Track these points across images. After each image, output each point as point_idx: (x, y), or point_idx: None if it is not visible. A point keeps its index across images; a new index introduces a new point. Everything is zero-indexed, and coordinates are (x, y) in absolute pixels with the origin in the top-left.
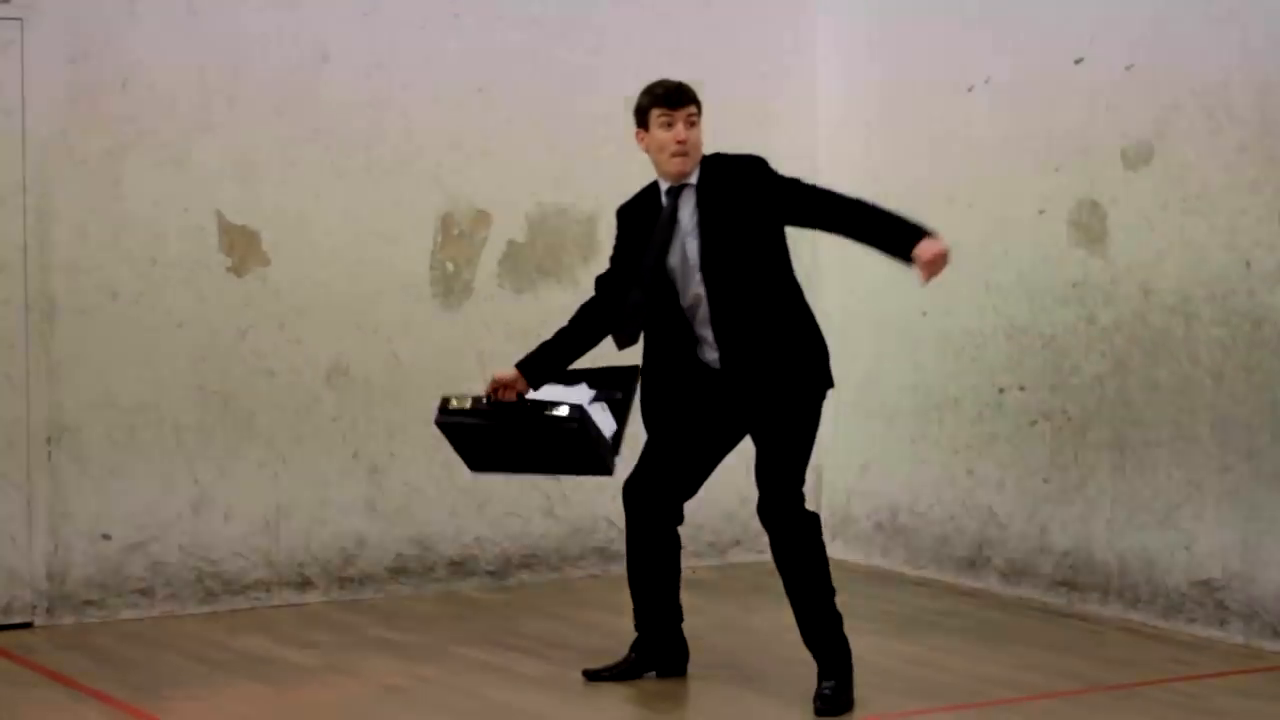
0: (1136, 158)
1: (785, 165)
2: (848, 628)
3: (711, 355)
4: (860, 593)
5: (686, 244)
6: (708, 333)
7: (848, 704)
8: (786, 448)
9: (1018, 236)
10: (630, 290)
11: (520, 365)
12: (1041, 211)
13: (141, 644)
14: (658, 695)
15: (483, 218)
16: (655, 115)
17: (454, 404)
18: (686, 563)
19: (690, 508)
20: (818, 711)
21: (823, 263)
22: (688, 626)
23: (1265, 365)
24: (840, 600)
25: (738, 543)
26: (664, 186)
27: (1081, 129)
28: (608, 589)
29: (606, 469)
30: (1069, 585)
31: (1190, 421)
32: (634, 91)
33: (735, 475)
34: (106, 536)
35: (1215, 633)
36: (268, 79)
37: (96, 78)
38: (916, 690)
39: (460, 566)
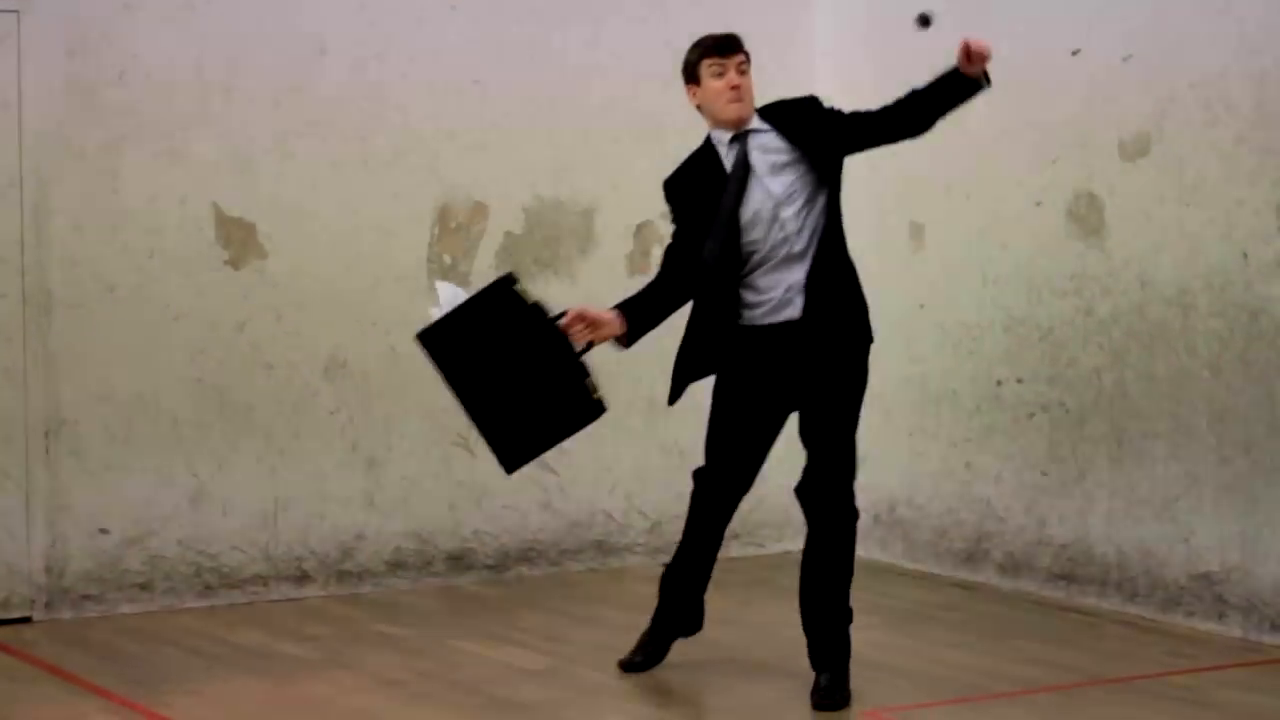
0: (1134, 149)
1: None
2: None
3: (759, 312)
4: (858, 586)
5: (769, 185)
6: (782, 278)
7: (845, 698)
8: (847, 412)
9: (1015, 228)
10: (705, 243)
11: (622, 308)
12: (1039, 203)
13: (140, 638)
14: (655, 689)
15: (480, 210)
16: (706, 66)
17: (520, 285)
18: None
19: (689, 501)
20: (816, 705)
21: None
22: None
23: (1263, 357)
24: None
25: (736, 536)
26: (724, 138)
27: (1079, 120)
28: (606, 582)
29: (517, 464)
30: (1067, 578)
31: (1188, 414)
32: (631, 84)
33: None
34: (105, 531)
35: (1214, 626)
36: (265, 71)
37: (93, 70)
38: (914, 684)
39: (458, 560)
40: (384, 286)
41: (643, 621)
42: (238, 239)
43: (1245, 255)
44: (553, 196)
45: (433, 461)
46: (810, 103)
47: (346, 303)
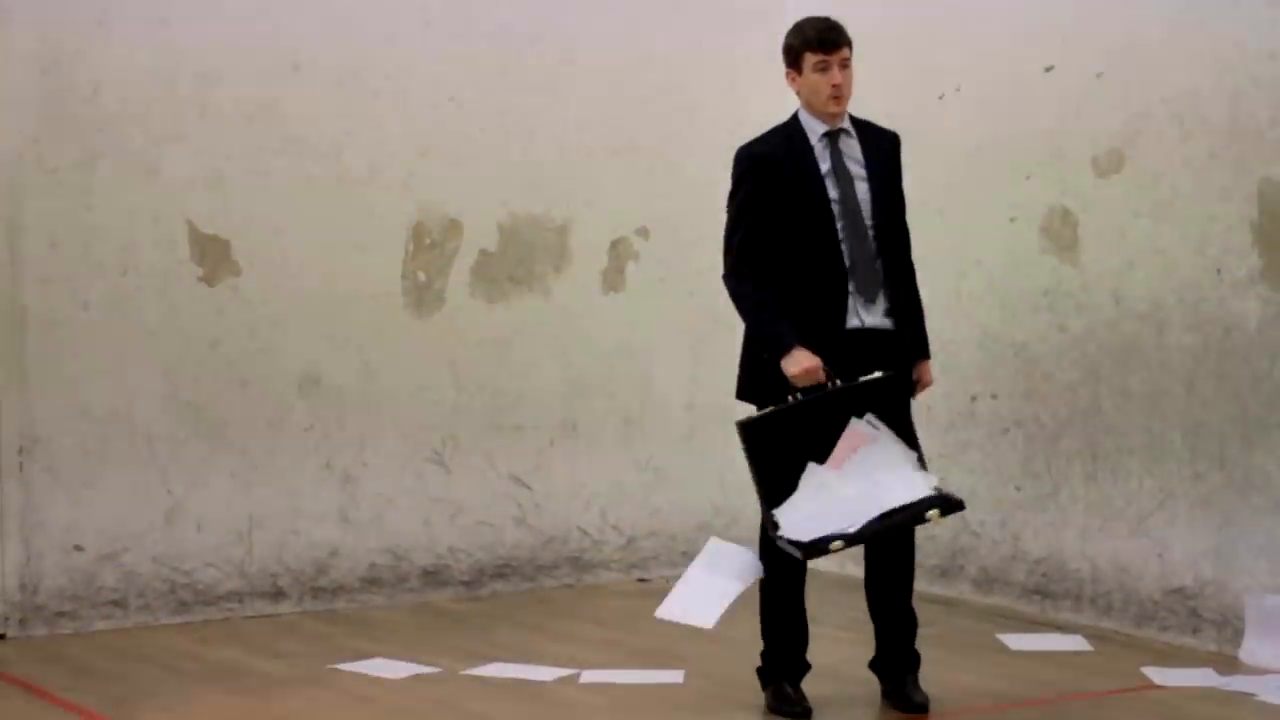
0: (1107, 165)
1: None
2: (821, 636)
3: (860, 316)
4: (833, 601)
5: (857, 186)
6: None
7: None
8: (909, 423)
9: (989, 244)
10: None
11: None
12: (1013, 219)
13: (114, 655)
14: (632, 707)
15: (454, 227)
16: (810, 58)
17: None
18: (659, 573)
19: (664, 518)
20: (906, 708)
21: None
22: (661, 636)
23: (1236, 372)
24: (813, 609)
25: None
26: (816, 128)
27: (1052, 136)
28: (581, 599)
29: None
30: (1041, 593)
31: (1162, 429)
32: (605, 100)
33: (708, 485)
34: (79, 547)
35: (1188, 640)
36: (238, 88)
37: (67, 87)
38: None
39: (433, 576)
40: (358, 303)
41: (616, 637)
42: (212, 256)
43: (1219, 271)
44: (527, 213)
45: (407, 478)
46: (896, 143)
47: (321, 319)
